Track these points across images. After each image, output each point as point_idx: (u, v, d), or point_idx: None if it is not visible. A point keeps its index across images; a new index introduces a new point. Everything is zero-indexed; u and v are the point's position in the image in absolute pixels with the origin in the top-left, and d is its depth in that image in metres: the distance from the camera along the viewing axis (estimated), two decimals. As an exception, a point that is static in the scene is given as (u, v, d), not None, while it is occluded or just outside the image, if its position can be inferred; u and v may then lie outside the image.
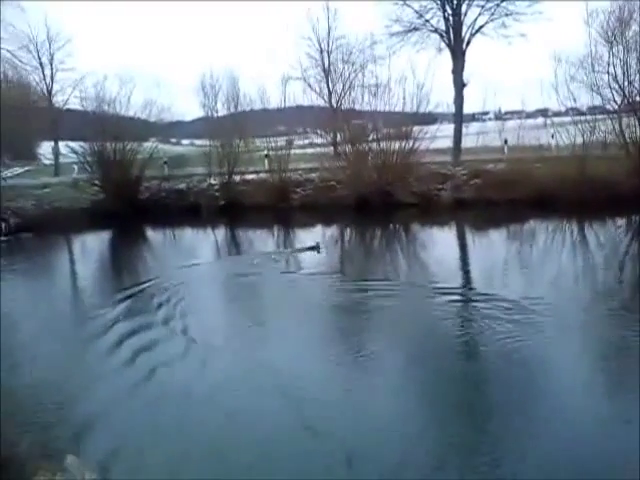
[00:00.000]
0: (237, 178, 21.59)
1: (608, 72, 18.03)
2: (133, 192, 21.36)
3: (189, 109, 58.42)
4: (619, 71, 17.77)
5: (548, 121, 21.80)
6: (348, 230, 17.59)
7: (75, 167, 25.02)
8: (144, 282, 11.15)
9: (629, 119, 17.70)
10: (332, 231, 17.55)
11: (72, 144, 24.05)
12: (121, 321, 8.77)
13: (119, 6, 59.20)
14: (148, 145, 23.16)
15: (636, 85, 17.71)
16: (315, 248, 13.40)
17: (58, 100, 31.27)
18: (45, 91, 31.47)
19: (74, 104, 27.02)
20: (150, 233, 19.68)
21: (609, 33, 18.44)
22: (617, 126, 17.90)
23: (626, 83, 17.74)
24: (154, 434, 5.40)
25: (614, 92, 18.07)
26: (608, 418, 5.32)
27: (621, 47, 17.92)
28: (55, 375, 6.79)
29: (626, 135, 17.67)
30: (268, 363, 6.75)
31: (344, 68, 26.71)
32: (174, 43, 68.15)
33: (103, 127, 21.48)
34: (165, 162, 23.86)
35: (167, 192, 21.85)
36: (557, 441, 4.81)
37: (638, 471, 4.27)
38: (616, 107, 18.22)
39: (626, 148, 17.57)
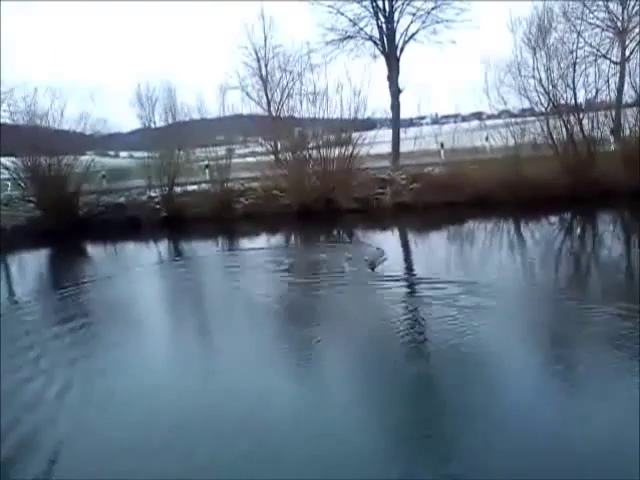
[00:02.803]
0: (178, 189, 21.28)
1: (534, 76, 18.84)
2: (71, 208, 20.74)
3: (126, 120, 57.09)
4: (543, 75, 18.59)
5: (482, 124, 22.56)
6: (293, 237, 17.68)
7: (8, 184, 24.11)
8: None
9: (555, 121, 18.55)
10: (277, 239, 17.58)
11: (3, 160, 23.14)
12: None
13: (45, 15, 57.43)
14: (85, 159, 22.56)
15: (559, 89, 18.61)
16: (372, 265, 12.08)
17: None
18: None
19: (3, 118, 25.97)
20: (90, 249, 19.15)
21: (532, 40, 19.42)
22: (545, 128, 18.72)
23: (550, 87, 18.60)
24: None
25: (540, 95, 18.92)
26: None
27: (543, 53, 18.85)
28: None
29: (554, 136, 18.50)
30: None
31: (282, 76, 26.90)
32: (106, 53, 66.60)
33: (36, 142, 20.70)
34: (103, 175, 23.36)
35: (106, 206, 21.28)
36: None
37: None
38: (543, 110, 19.09)
39: (555, 149, 18.42)
